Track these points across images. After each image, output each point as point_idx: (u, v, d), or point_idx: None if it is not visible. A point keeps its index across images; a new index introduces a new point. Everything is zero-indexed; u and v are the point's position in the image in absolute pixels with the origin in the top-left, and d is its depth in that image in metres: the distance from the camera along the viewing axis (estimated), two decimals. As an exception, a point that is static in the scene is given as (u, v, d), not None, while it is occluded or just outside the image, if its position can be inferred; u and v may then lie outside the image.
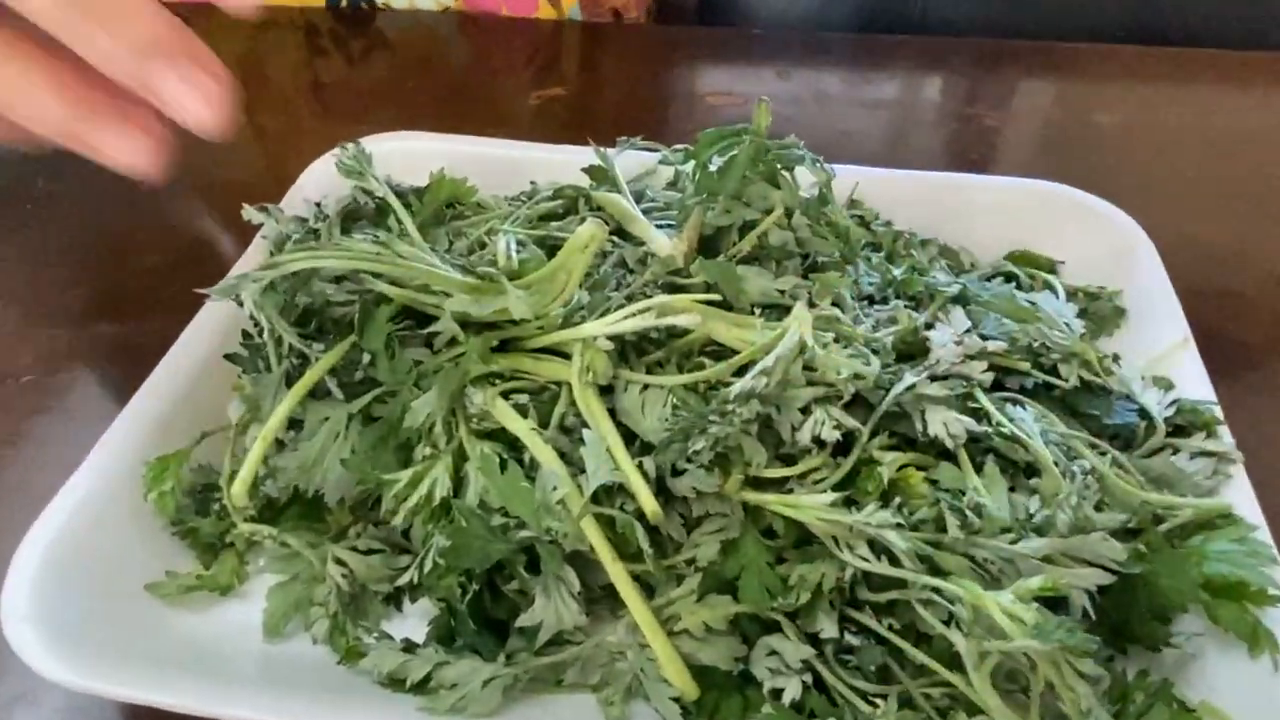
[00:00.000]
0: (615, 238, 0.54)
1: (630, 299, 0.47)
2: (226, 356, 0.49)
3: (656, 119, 0.92)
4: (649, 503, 0.41)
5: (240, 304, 0.45)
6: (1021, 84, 0.98)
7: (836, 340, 0.44)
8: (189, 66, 0.31)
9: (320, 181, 0.62)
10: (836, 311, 0.47)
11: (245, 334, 0.50)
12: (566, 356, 0.46)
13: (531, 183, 0.64)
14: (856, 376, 0.43)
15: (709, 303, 0.45)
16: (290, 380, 0.47)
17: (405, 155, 0.65)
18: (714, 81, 0.98)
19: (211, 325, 0.53)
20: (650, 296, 0.47)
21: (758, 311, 0.47)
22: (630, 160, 0.61)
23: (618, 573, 0.42)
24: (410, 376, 0.46)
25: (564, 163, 0.63)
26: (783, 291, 0.49)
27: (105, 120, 0.33)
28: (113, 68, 0.31)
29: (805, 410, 0.43)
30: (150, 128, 0.34)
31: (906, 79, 0.98)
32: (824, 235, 0.52)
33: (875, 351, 0.46)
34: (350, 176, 0.51)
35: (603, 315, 0.45)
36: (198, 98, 0.31)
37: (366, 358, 0.47)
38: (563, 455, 0.44)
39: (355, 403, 0.47)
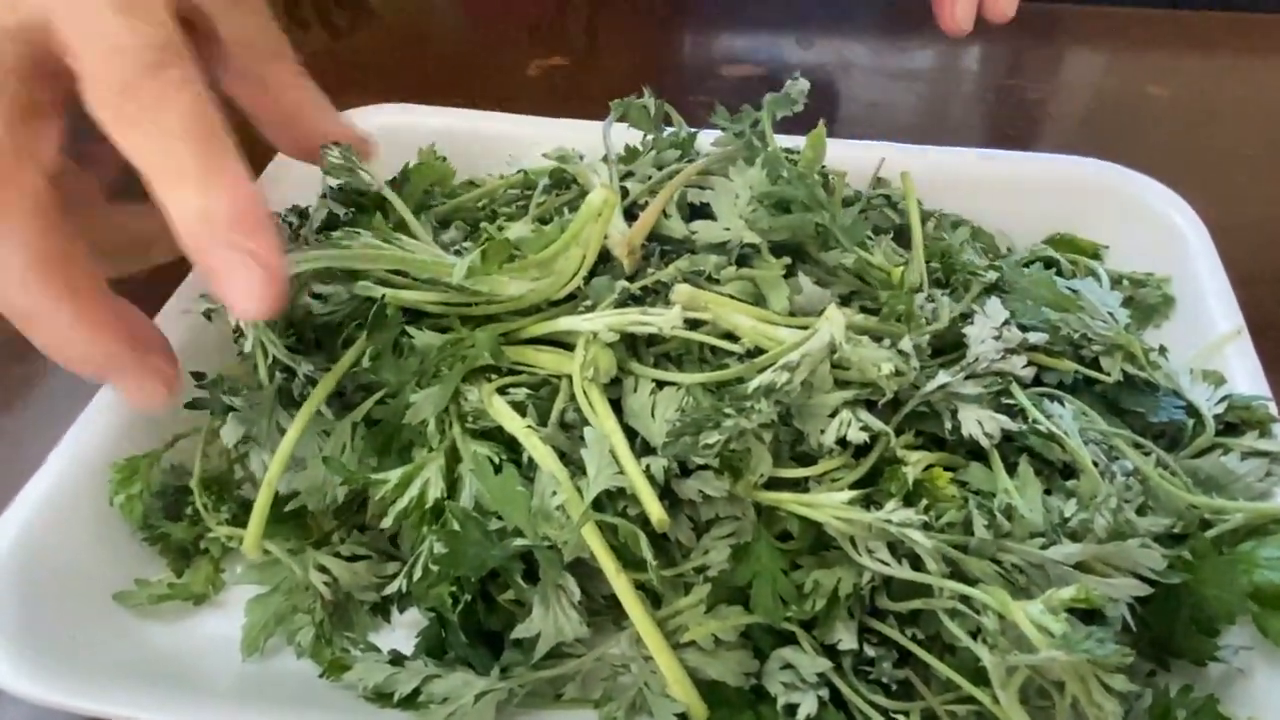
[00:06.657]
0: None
1: (637, 295, 0.47)
2: (188, 405, 0.49)
3: (667, 92, 0.92)
4: (655, 509, 0.42)
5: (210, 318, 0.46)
6: (1067, 53, 0.99)
7: (877, 340, 0.45)
8: (245, 261, 0.36)
9: (288, 177, 0.62)
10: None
11: (196, 375, 0.50)
12: (567, 346, 0.47)
13: (510, 155, 0.65)
14: (897, 373, 0.44)
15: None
16: (282, 396, 0.48)
17: (392, 130, 0.65)
18: (730, 49, 0.99)
19: (183, 313, 0.54)
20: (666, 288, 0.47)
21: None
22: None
23: (621, 584, 0.43)
24: (413, 375, 0.46)
25: (564, 138, 0.64)
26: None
27: (128, 370, 0.42)
28: (187, 237, 0.37)
29: (833, 413, 0.44)
30: (163, 371, 0.43)
31: (941, 47, 0.98)
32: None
33: (915, 346, 0.46)
34: (339, 175, 0.50)
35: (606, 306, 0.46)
36: (244, 294, 0.37)
37: (366, 362, 0.47)
38: (563, 455, 0.44)
39: (357, 410, 0.48)
